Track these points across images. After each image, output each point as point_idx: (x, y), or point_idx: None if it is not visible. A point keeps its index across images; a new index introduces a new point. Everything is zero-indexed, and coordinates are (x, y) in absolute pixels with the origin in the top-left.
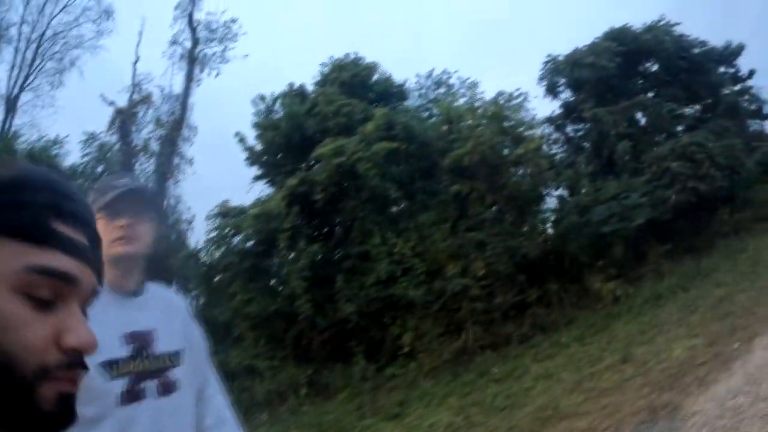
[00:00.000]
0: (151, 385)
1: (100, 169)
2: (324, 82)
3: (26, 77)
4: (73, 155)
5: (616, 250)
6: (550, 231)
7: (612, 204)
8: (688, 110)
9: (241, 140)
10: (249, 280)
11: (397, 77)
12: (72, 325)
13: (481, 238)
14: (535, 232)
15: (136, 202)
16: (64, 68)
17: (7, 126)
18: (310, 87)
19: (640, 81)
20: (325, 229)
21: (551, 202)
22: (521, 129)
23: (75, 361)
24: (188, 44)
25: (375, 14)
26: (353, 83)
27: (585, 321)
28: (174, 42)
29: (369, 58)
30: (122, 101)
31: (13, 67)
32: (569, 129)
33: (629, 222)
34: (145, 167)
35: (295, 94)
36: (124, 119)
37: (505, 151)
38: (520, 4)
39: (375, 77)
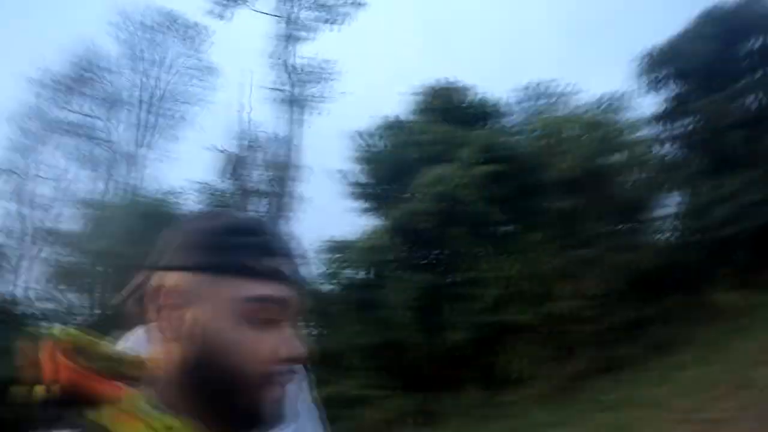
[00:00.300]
0: None
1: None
2: (419, 111)
3: (144, 134)
4: (190, 203)
5: (739, 255)
6: (664, 241)
7: (729, 204)
8: None
9: (344, 176)
10: (359, 312)
11: (497, 94)
12: (285, 339)
13: (590, 255)
14: (648, 244)
15: None
16: (178, 123)
17: (130, 180)
18: (406, 117)
19: (745, 62)
20: (431, 258)
21: (665, 209)
22: (623, 133)
23: (289, 369)
24: (287, 89)
25: (466, 36)
26: (447, 109)
27: (705, 338)
28: (274, 88)
29: (464, 80)
30: (233, 148)
31: (131, 127)
32: (677, 125)
33: (751, 222)
34: (258, 209)
35: (393, 126)
36: (236, 165)
37: (610, 159)
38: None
39: (469, 99)
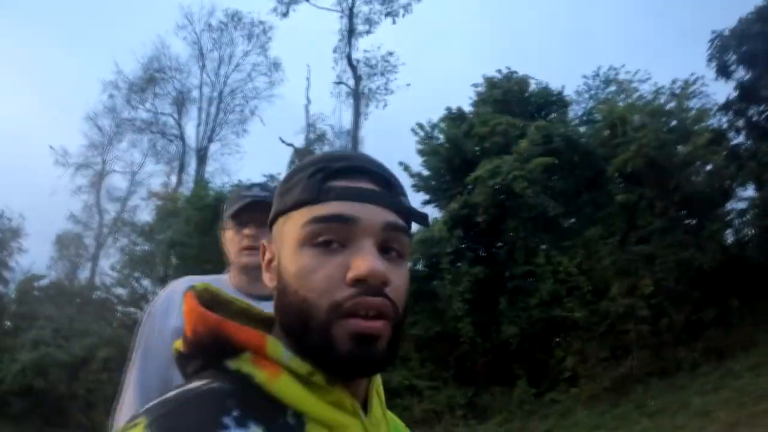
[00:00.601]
0: None
1: None
2: (479, 102)
3: (212, 130)
4: None
5: None
6: (731, 238)
7: None
8: None
9: (406, 168)
10: (414, 303)
11: (564, 83)
12: (355, 258)
13: (650, 252)
14: (714, 241)
15: (262, 212)
16: (246, 118)
17: (200, 174)
18: (467, 108)
19: None
20: (489, 251)
21: (736, 203)
22: (690, 122)
23: (363, 292)
24: (351, 82)
25: (534, 25)
26: (507, 100)
27: (766, 346)
28: (339, 82)
29: (528, 70)
30: (299, 142)
31: (199, 124)
32: (751, 112)
33: None
34: None
35: (454, 117)
36: (302, 158)
37: (675, 150)
38: None
39: (531, 89)
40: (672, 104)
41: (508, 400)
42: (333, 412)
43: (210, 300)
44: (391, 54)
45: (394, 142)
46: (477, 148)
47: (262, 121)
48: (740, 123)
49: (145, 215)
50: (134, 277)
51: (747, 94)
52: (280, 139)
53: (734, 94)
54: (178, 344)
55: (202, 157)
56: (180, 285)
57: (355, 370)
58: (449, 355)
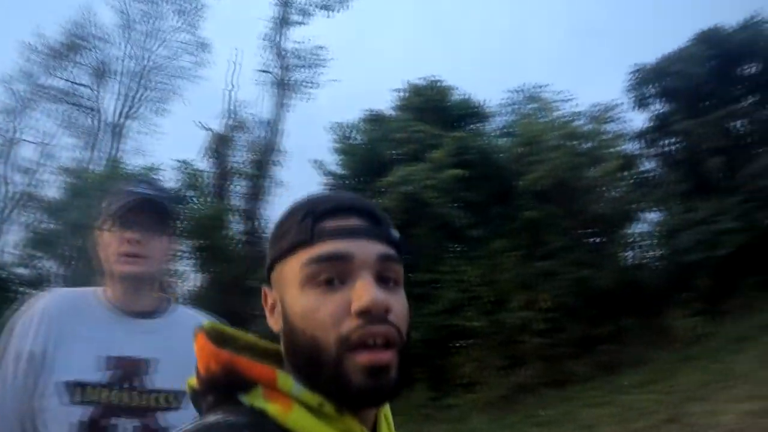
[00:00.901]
0: (127, 425)
1: (191, 194)
2: (400, 107)
3: (131, 106)
4: (168, 179)
5: (702, 281)
6: (630, 260)
7: (699, 229)
8: None
9: (320, 166)
10: None
11: (490, 96)
12: (356, 291)
13: (551, 268)
14: (613, 261)
15: (150, 214)
16: (167, 97)
17: (114, 151)
18: (387, 112)
19: (738, 87)
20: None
21: (637, 227)
22: (603, 147)
23: (367, 321)
24: (276, 71)
25: (468, 34)
26: (428, 107)
27: (656, 363)
28: (264, 70)
29: (453, 80)
30: (218, 127)
31: (118, 98)
32: (660, 144)
33: (717, 250)
34: (237, 190)
35: (373, 119)
36: (219, 144)
37: (586, 172)
38: (621, 11)
39: (452, 99)
40: (589, 127)
41: (407, 403)
42: None
43: (217, 337)
44: (321, 48)
45: (317, 138)
46: (393, 153)
47: (184, 102)
48: (650, 153)
49: (54, 191)
50: (37, 257)
51: (661, 126)
52: (198, 122)
53: (648, 124)
54: (192, 381)
55: (117, 133)
56: (40, 302)
57: (369, 401)
58: None
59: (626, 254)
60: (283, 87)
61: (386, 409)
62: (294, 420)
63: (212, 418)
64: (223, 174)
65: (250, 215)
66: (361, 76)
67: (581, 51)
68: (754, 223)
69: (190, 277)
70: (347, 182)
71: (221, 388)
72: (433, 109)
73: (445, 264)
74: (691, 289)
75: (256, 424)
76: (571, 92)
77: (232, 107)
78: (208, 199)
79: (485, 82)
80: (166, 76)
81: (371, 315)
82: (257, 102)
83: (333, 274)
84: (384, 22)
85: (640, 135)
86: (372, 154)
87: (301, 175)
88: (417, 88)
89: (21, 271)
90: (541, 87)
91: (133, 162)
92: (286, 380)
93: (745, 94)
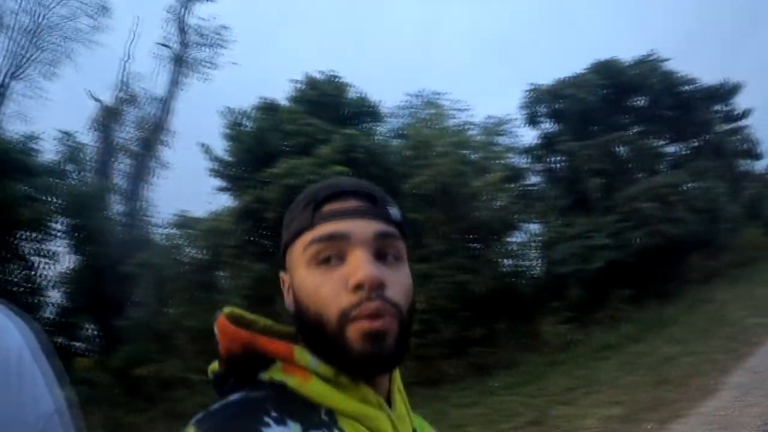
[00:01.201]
0: None
1: (70, 167)
2: (295, 99)
3: (19, 66)
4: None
5: (573, 292)
6: (508, 267)
7: (575, 243)
8: (672, 149)
9: (207, 150)
10: (193, 293)
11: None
12: (353, 267)
13: (428, 271)
14: (490, 267)
15: None
16: (59, 60)
17: None
18: (282, 103)
19: (625, 116)
20: (276, 249)
21: (518, 237)
22: (491, 158)
23: (364, 296)
24: (177, 47)
25: (378, 37)
26: (322, 102)
27: (526, 366)
28: (163, 44)
29: (366, 82)
30: (108, 99)
31: (6, 55)
32: (547, 161)
33: (589, 264)
34: (121, 168)
35: (266, 108)
36: (108, 117)
37: (471, 181)
38: (528, 33)
39: (349, 96)
40: (482, 137)
41: None
42: (361, 406)
43: (236, 322)
44: (225, 28)
45: (210, 121)
46: (282, 145)
47: (76, 68)
48: (537, 167)
49: None
50: None
51: (548, 144)
52: (89, 92)
53: (537, 141)
54: (214, 366)
55: (0, 94)
56: None
57: (370, 366)
58: None
59: (504, 262)
60: (181, 64)
61: (399, 384)
62: (312, 390)
63: (236, 396)
64: (108, 150)
65: (133, 196)
66: (265, 63)
67: (485, 66)
68: (626, 242)
69: (62, 259)
70: (233, 170)
71: (242, 368)
72: (327, 103)
73: None
74: (563, 298)
75: (278, 396)
76: (468, 103)
77: (125, 79)
78: (89, 176)
79: (389, 86)
80: (60, 38)
81: (365, 289)
82: (152, 77)
83: (331, 253)
84: (296, 13)
85: (528, 150)
86: (261, 144)
87: (190, 158)
88: (314, 81)
89: None
90: (439, 94)
91: (13, 128)
92: (303, 355)
93: (631, 123)
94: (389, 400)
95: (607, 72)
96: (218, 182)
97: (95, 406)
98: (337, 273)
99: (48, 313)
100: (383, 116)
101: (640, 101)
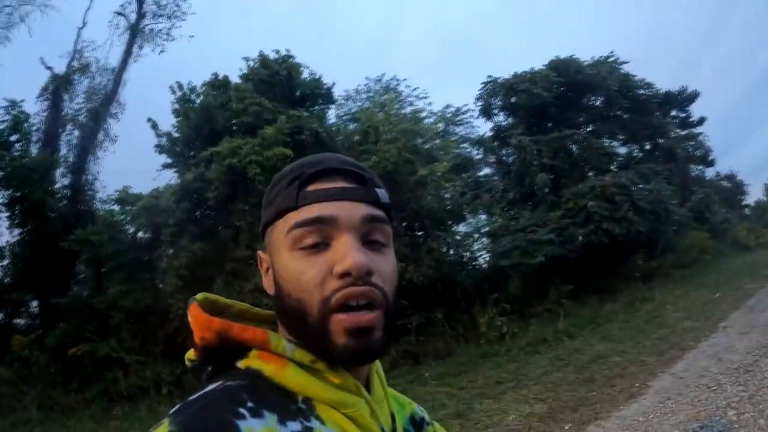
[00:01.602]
0: None
1: (13, 138)
2: (246, 77)
3: None
4: None
5: (513, 284)
6: (451, 257)
7: (518, 236)
8: (623, 149)
9: (154, 126)
10: (131, 272)
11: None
12: (339, 254)
13: None
14: (431, 257)
15: None
16: (12, 24)
17: None
18: (233, 81)
19: (580, 115)
20: (215, 230)
21: (462, 227)
22: (441, 147)
23: (348, 283)
24: (134, 16)
25: (340, 20)
26: (272, 82)
27: (460, 357)
28: (120, 13)
29: (325, 64)
30: (61, 67)
31: None
32: (500, 153)
33: (531, 258)
34: (69, 139)
35: (217, 85)
36: (58, 87)
37: (417, 169)
38: (491, 27)
39: (302, 78)
40: (439, 126)
41: None
42: (339, 393)
43: (210, 307)
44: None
45: (161, 95)
46: (229, 123)
47: (29, 32)
48: (489, 159)
49: None
50: None
51: (499, 136)
52: (41, 60)
53: (490, 133)
54: (190, 354)
55: None
56: None
57: (353, 360)
58: (160, 329)
59: (447, 252)
60: (135, 34)
61: (378, 366)
62: (289, 377)
63: (212, 386)
64: (57, 120)
65: (79, 169)
66: (228, 40)
67: (448, 57)
68: (570, 238)
69: (2, 232)
70: (179, 147)
71: (217, 357)
72: (278, 83)
73: (262, 242)
74: (503, 290)
75: (253, 385)
76: (427, 91)
77: (79, 47)
78: (33, 147)
79: (351, 70)
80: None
81: (352, 277)
82: (106, 46)
83: (318, 238)
84: None
85: (480, 142)
86: (208, 121)
87: (142, 133)
88: (266, 60)
89: None
90: (398, 80)
91: None
92: (279, 341)
93: (585, 122)
94: (368, 384)
95: (564, 70)
96: (164, 159)
97: (31, 385)
98: (322, 258)
99: None
100: (336, 99)
101: (596, 101)
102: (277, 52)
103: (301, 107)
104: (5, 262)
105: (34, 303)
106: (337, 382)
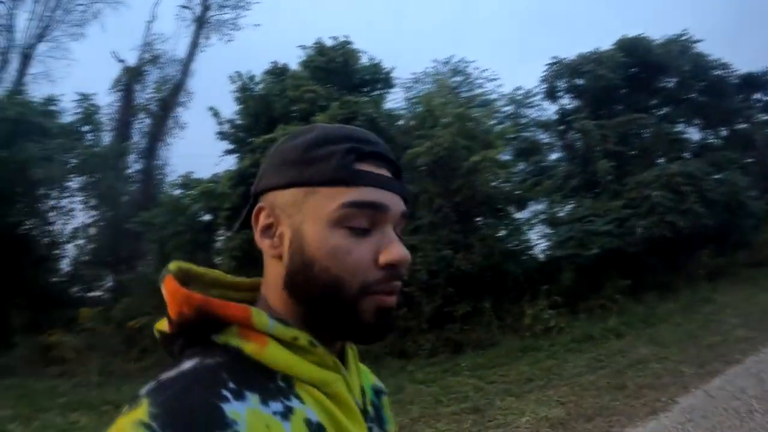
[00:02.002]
0: None
1: (86, 128)
2: (304, 64)
3: (46, 27)
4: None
5: (566, 276)
6: (502, 245)
7: (576, 226)
8: (697, 136)
9: (215, 114)
10: (190, 252)
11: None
12: (386, 244)
13: (414, 243)
14: (483, 245)
15: None
16: (86, 20)
17: (22, 75)
18: (292, 68)
19: (650, 98)
20: None
21: (518, 215)
22: (501, 132)
23: (392, 275)
24: (199, 8)
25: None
26: (329, 69)
27: (500, 349)
28: (185, 6)
29: (396, 49)
30: (132, 60)
31: (32, 17)
32: (564, 138)
33: (587, 249)
34: (141, 127)
35: (276, 73)
36: (130, 78)
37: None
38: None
39: (359, 63)
40: (509, 108)
41: None
42: (317, 371)
43: (184, 277)
44: None
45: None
46: (287, 111)
47: (102, 27)
48: (551, 144)
49: None
50: None
51: (563, 121)
52: (113, 53)
53: (554, 117)
54: (161, 326)
55: (27, 56)
56: None
57: (376, 338)
58: None
59: (501, 240)
60: (201, 25)
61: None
62: (269, 355)
63: (189, 363)
64: (129, 109)
65: (149, 155)
66: (296, 28)
67: (519, 36)
68: (630, 230)
69: (77, 215)
70: (239, 133)
71: (194, 331)
72: (334, 70)
73: None
74: (555, 282)
75: (232, 362)
76: (495, 72)
77: (149, 40)
78: (105, 136)
79: (423, 53)
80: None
81: (395, 270)
82: (174, 38)
83: (367, 223)
84: None
85: (543, 126)
86: (266, 108)
87: (201, 119)
88: (323, 47)
89: None
90: (467, 62)
91: (39, 90)
92: (261, 317)
93: (655, 105)
94: (343, 358)
95: (633, 49)
96: (226, 145)
97: (95, 353)
98: (367, 243)
99: (65, 265)
100: (395, 84)
101: (668, 83)
102: (335, 38)
103: (359, 93)
104: (81, 242)
105: (107, 278)
106: (317, 359)
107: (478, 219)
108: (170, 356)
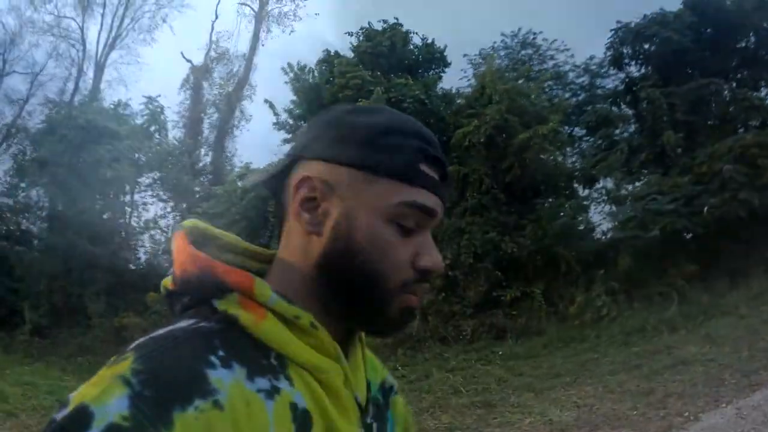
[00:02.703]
0: None
1: (153, 128)
2: (354, 50)
3: (116, 37)
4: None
5: (624, 261)
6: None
7: (637, 205)
8: None
9: (271, 106)
10: (249, 238)
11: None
12: (428, 249)
13: (460, 225)
14: (535, 227)
15: None
16: (156, 26)
17: (97, 83)
18: (343, 55)
19: (724, 61)
20: None
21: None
22: (552, 108)
23: (423, 278)
24: (257, 5)
25: None
26: (377, 53)
27: (544, 338)
28: (243, 3)
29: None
30: (199, 59)
31: (101, 29)
32: (631, 109)
33: (647, 231)
34: (210, 122)
35: (326, 61)
36: (198, 77)
37: (522, 132)
38: None
39: (411, 44)
40: (583, 79)
41: None
42: (315, 356)
43: (199, 236)
44: None
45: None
46: (332, 98)
47: (172, 31)
48: (615, 116)
49: (39, 122)
50: (21, 186)
51: (628, 91)
52: (181, 54)
53: (619, 87)
54: (167, 282)
55: (100, 65)
56: None
57: (393, 333)
58: None
59: (555, 220)
60: (260, 20)
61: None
62: (265, 329)
63: (184, 323)
64: (197, 106)
65: (217, 147)
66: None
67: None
68: (699, 208)
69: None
70: (295, 122)
71: (196, 291)
72: (381, 54)
73: None
74: (611, 266)
75: (227, 331)
76: (564, 42)
77: (214, 39)
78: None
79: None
80: (154, 5)
81: (429, 275)
82: (234, 35)
83: (415, 224)
84: None
85: (611, 96)
86: (318, 97)
87: (260, 109)
88: (369, 32)
89: (5, 200)
90: (535, 34)
91: (113, 95)
92: (263, 289)
93: (733, 69)
94: (348, 349)
95: (702, 8)
96: (282, 135)
97: None
98: (411, 244)
99: (142, 254)
100: (448, 62)
101: (744, 43)
102: (385, 21)
103: (410, 75)
104: (154, 233)
105: None
106: (316, 343)
107: (536, 199)
108: (172, 314)
